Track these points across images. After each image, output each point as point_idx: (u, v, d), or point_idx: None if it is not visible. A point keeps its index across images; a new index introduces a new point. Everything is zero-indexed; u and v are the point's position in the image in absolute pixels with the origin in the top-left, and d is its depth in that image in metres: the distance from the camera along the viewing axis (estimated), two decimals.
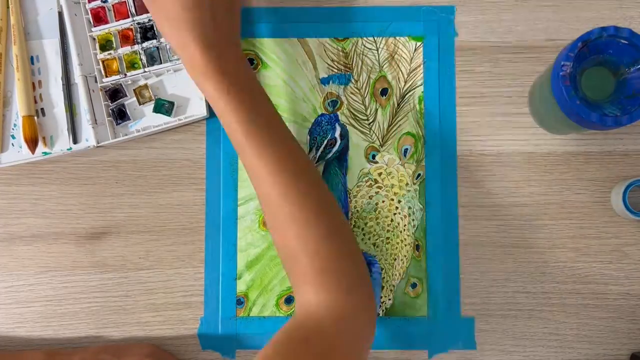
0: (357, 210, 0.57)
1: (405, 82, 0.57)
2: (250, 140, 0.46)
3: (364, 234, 0.56)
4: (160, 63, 0.56)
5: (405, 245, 0.56)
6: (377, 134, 0.57)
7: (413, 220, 0.56)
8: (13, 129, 0.56)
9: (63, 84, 0.56)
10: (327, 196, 0.48)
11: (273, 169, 0.46)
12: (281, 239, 0.47)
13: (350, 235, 0.48)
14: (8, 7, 0.56)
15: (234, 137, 0.47)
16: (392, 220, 0.56)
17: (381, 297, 0.56)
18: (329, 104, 0.58)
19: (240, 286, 0.56)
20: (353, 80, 0.58)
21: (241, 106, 0.46)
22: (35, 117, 0.56)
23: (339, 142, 0.57)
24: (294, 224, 0.45)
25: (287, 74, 0.58)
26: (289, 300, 0.56)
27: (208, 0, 0.47)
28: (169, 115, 0.56)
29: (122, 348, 0.54)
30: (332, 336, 0.43)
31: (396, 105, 0.57)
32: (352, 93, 0.58)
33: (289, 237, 0.46)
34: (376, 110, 0.57)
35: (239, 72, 0.47)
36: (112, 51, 0.56)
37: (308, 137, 0.57)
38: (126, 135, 0.56)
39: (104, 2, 0.56)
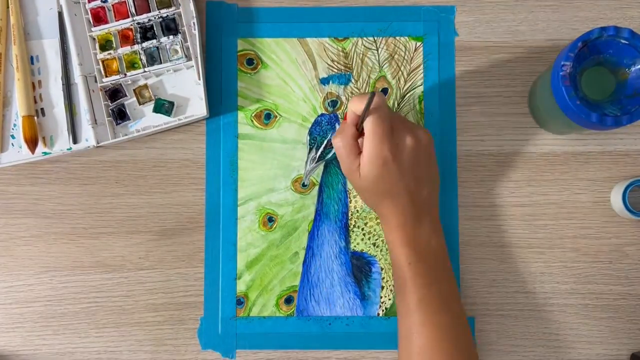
0: (357, 210, 0.57)
1: (406, 82, 0.57)
2: (419, 309, 0.48)
3: (364, 234, 0.56)
4: (160, 63, 0.56)
5: None
6: None
7: None
8: (13, 129, 0.56)
9: (63, 84, 0.56)
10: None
11: (430, 343, 0.48)
12: None
13: None
14: (8, 7, 0.56)
15: (407, 297, 0.49)
16: None
17: (381, 297, 0.56)
18: (329, 104, 0.58)
19: (240, 286, 0.56)
20: (353, 80, 0.58)
21: (418, 279, 0.48)
22: (35, 117, 0.56)
23: None
24: None
25: (287, 74, 0.58)
26: (289, 300, 0.56)
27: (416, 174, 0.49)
28: (169, 115, 0.56)
29: None
30: None
31: (396, 105, 0.57)
32: (352, 93, 0.58)
33: None
34: None
35: (428, 245, 0.49)
36: (112, 51, 0.56)
37: (308, 137, 0.57)
38: (126, 135, 0.56)
39: (103, 2, 0.56)
